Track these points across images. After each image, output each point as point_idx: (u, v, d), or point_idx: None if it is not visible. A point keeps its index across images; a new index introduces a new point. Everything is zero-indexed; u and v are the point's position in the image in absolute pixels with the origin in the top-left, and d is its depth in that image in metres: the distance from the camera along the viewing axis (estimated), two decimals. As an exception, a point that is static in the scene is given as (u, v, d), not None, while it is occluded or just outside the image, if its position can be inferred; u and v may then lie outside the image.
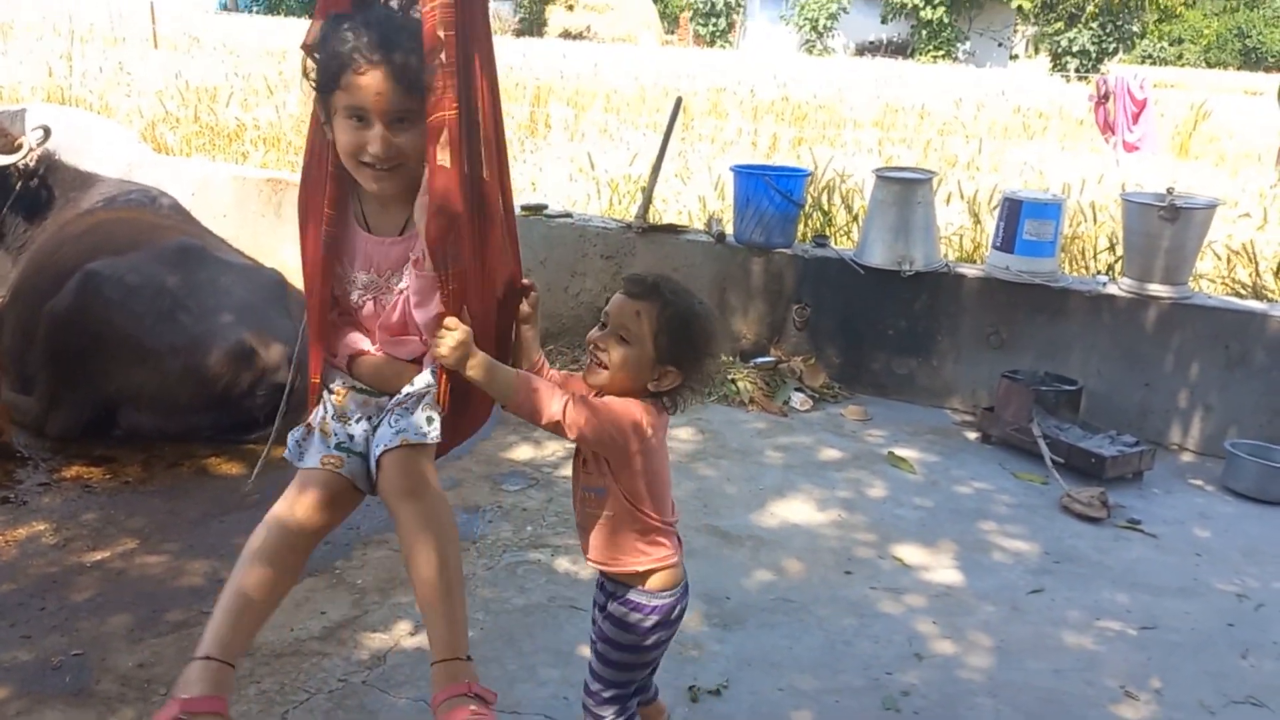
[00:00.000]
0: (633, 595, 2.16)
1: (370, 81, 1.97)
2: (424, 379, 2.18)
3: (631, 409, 2.06)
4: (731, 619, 3.29)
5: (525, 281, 2.34)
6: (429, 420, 2.11)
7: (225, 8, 41.25)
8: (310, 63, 2.05)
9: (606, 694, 2.22)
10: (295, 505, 2.12)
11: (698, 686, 2.92)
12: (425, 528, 2.07)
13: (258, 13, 38.97)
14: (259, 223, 6.88)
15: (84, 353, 4.14)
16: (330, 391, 2.23)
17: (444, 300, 2.01)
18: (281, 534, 2.12)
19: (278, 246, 6.80)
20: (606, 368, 2.08)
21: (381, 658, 2.97)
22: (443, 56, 1.95)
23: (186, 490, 3.96)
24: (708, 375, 2.14)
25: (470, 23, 2.03)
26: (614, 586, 2.19)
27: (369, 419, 2.21)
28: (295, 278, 5.70)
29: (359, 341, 2.22)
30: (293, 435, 2.24)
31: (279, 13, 38.69)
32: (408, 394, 2.16)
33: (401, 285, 2.18)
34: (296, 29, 25.70)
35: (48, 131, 5.26)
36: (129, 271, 4.23)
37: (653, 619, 2.16)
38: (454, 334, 1.98)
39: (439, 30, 1.95)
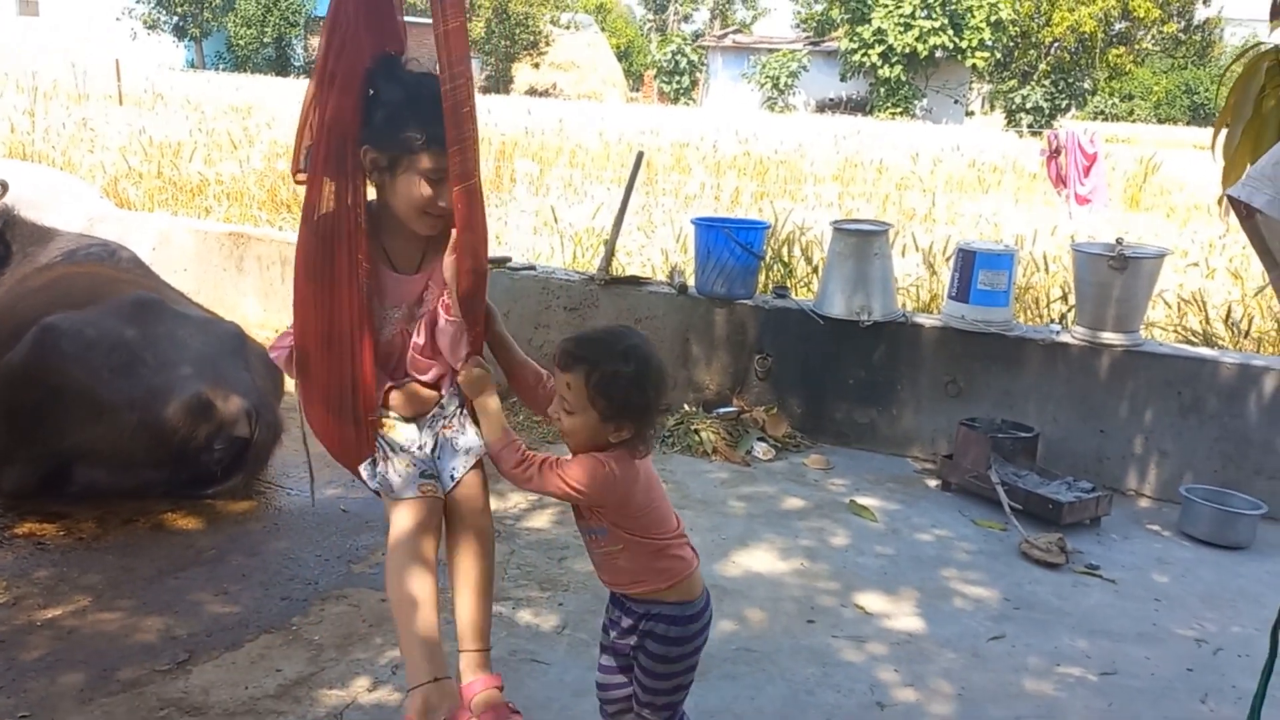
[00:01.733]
0: (667, 610, 2.25)
1: (440, 152, 2.24)
2: (453, 401, 2.46)
3: (599, 466, 2.15)
4: (693, 670, 3.27)
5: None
6: (477, 434, 2.38)
7: (192, 65, 41.40)
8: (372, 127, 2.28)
9: (666, 714, 2.35)
10: (418, 537, 2.42)
11: (659, 739, 2.89)
12: (487, 536, 2.46)
13: (224, 70, 39.13)
14: (220, 276, 6.86)
15: (39, 408, 4.08)
16: (380, 428, 2.44)
17: (472, 341, 2.29)
18: (419, 564, 2.43)
19: (239, 300, 6.79)
20: (568, 435, 2.22)
21: (338, 715, 2.92)
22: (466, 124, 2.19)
23: (142, 546, 3.90)
24: (658, 414, 2.19)
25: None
26: (643, 606, 2.27)
27: (426, 442, 2.45)
28: (255, 331, 5.70)
29: (390, 376, 2.46)
30: (375, 478, 2.46)
31: (245, 70, 38.86)
32: (449, 413, 2.43)
33: (422, 311, 2.43)
34: (263, 85, 25.83)
35: (5, 186, 5.24)
36: (86, 326, 4.19)
37: (698, 625, 2.28)
38: (479, 371, 2.27)
39: (467, 102, 2.18)
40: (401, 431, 2.44)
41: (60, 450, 4.15)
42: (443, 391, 2.51)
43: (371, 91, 2.27)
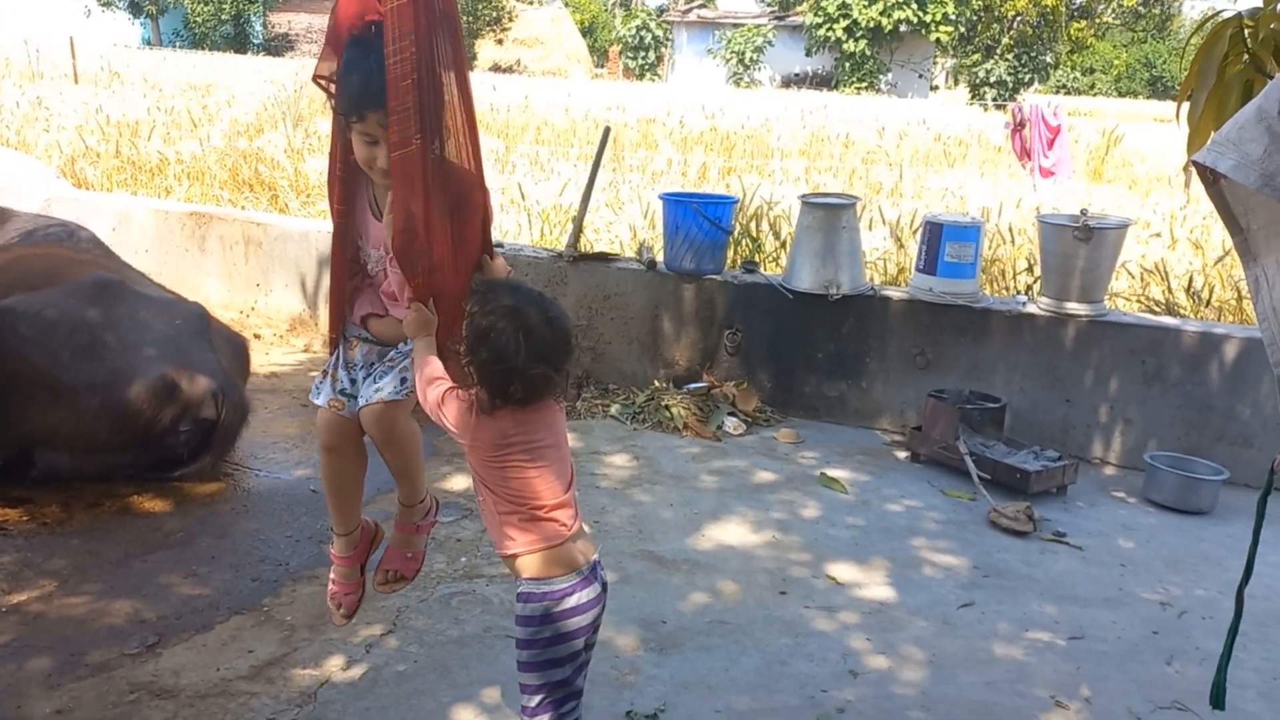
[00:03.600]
0: (521, 586, 2.21)
1: (381, 118, 2.35)
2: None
3: (464, 406, 2.21)
4: (668, 643, 3.29)
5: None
6: (403, 381, 2.53)
7: (148, 43, 40.67)
8: (331, 88, 2.45)
9: (532, 703, 2.22)
10: (323, 434, 2.69)
11: (635, 711, 2.90)
12: (396, 457, 2.67)
13: (181, 47, 38.46)
14: (182, 257, 6.76)
15: (0, 391, 4.01)
16: (346, 341, 2.67)
17: (414, 290, 2.41)
18: (328, 455, 2.70)
19: (201, 281, 6.70)
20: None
21: (312, 695, 2.91)
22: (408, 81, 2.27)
23: (107, 530, 3.85)
24: (530, 381, 2.16)
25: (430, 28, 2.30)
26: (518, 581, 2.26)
27: (369, 367, 2.65)
28: (219, 311, 5.62)
29: (372, 304, 2.65)
30: (316, 381, 2.69)
31: (203, 47, 38.22)
32: (396, 353, 2.60)
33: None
34: (221, 63, 25.42)
35: (-41, 167, 5.13)
36: (45, 307, 4.12)
37: (537, 608, 2.18)
38: (417, 315, 2.38)
39: (408, 75, 2.27)
40: (357, 352, 2.66)
41: (21, 435, 4.08)
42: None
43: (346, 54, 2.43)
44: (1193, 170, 1.86)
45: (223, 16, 41.79)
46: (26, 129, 10.43)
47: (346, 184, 2.56)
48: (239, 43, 41.56)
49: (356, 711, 2.84)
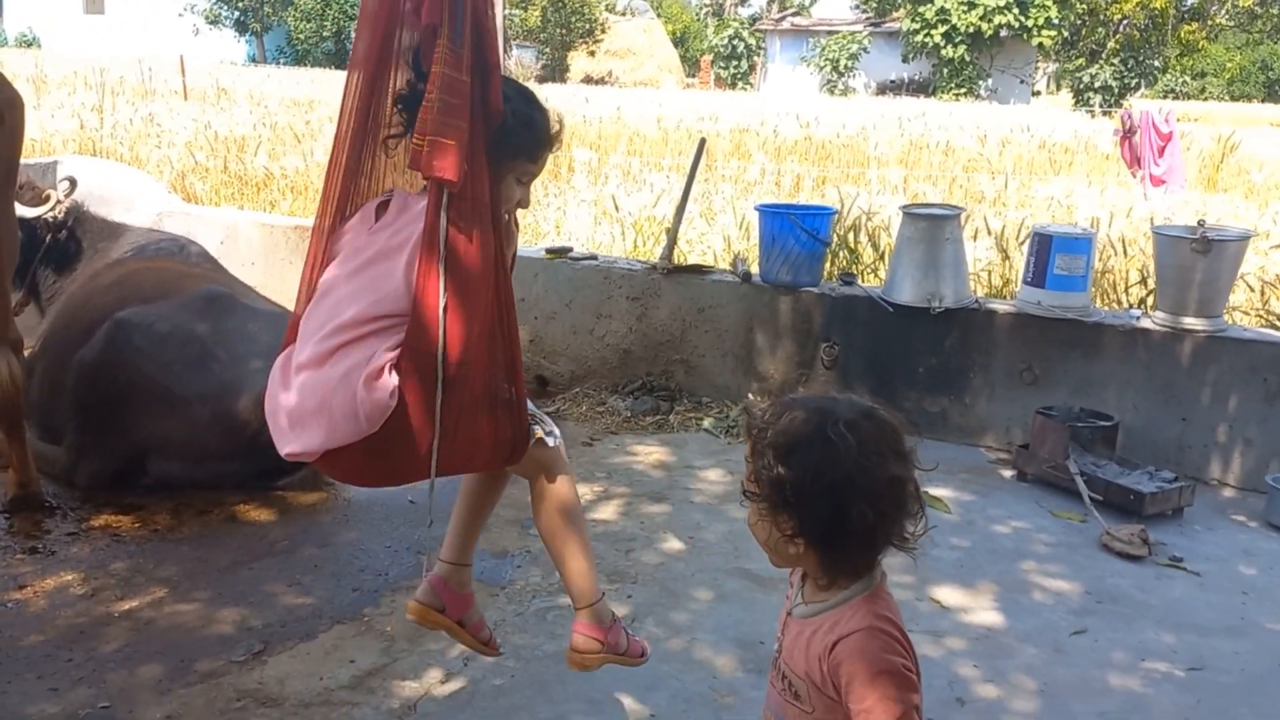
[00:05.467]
0: None
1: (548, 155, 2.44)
2: None
3: None
4: (767, 664, 3.21)
5: None
6: None
7: (254, 60, 42.05)
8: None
9: None
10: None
11: (734, 735, 2.85)
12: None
13: (284, 64, 39.68)
14: (286, 269, 6.92)
15: (113, 401, 4.15)
16: None
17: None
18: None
19: (305, 293, 6.84)
20: None
21: (412, 706, 2.93)
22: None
23: (216, 538, 3.95)
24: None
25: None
26: None
27: None
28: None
29: None
30: (545, 429, 2.46)
31: (306, 64, 39.37)
32: None
33: None
34: (323, 79, 26.12)
35: (74, 183, 5.33)
36: (158, 320, 4.25)
37: None
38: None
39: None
40: None
41: (134, 443, 4.21)
42: None
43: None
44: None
45: (324, 34, 42.95)
46: (139, 145, 10.85)
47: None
48: (339, 59, 42.62)
49: (455, 726, 2.85)
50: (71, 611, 3.37)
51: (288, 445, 2.24)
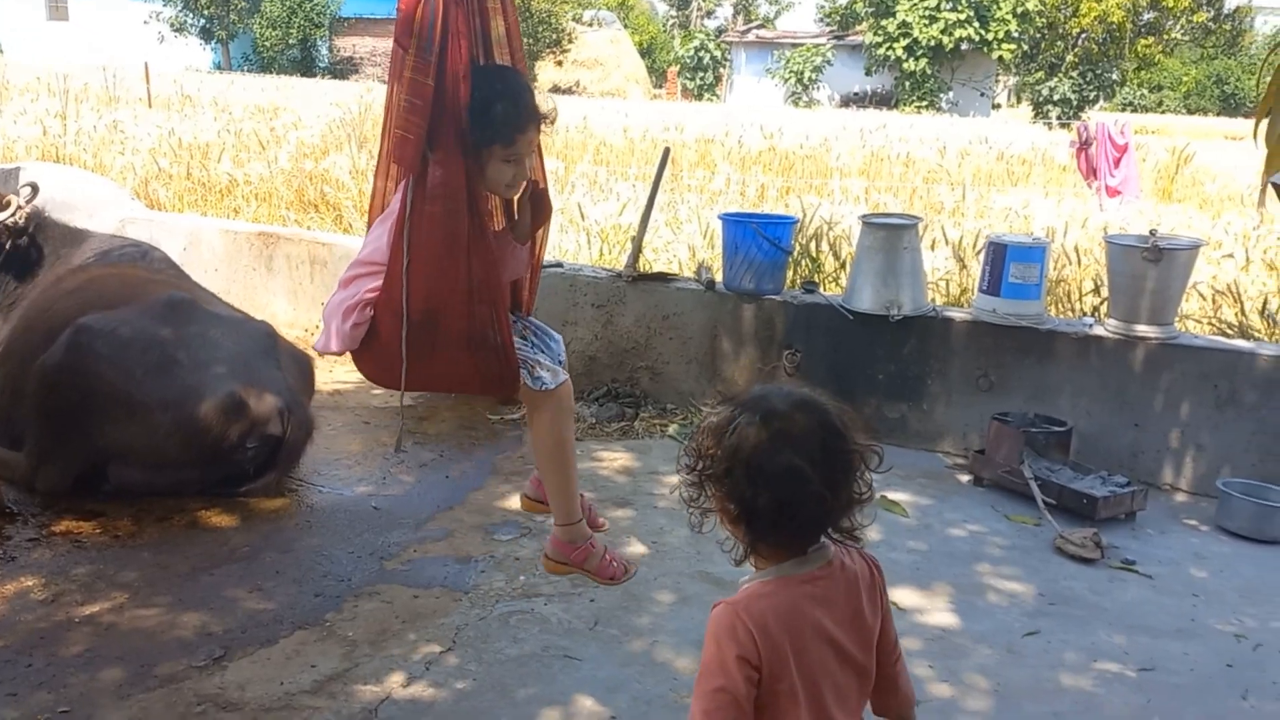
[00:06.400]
0: None
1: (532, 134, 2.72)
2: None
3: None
4: (727, 666, 3.26)
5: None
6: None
7: (219, 67, 41.67)
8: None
9: None
10: (571, 411, 2.90)
11: (693, 735, 2.88)
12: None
13: (250, 71, 39.36)
14: (250, 276, 6.90)
15: (74, 407, 4.13)
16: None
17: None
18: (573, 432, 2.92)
19: (269, 300, 6.83)
20: None
21: (373, 711, 2.94)
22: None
23: (177, 544, 3.94)
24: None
25: None
26: None
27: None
28: (286, 330, 5.72)
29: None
30: (530, 377, 2.76)
31: (271, 71, 39.08)
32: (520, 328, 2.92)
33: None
34: (288, 86, 25.96)
35: (35, 188, 5.29)
36: (120, 325, 4.23)
37: None
38: None
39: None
40: (518, 343, 2.79)
41: (95, 449, 4.19)
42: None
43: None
44: (1271, 190, 1.82)
45: (290, 41, 42.66)
46: (103, 151, 10.74)
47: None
48: (305, 66, 42.40)
49: (417, 728, 2.86)
50: (32, 617, 3.35)
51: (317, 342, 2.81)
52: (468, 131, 2.54)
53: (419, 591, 3.65)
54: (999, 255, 5.15)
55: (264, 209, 8.84)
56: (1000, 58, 42.42)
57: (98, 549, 3.86)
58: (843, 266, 6.75)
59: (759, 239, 5.46)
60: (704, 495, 1.71)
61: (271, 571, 3.76)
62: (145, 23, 42.10)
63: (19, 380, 4.33)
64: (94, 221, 5.69)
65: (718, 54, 49.59)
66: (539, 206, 2.90)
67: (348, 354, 2.77)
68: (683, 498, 1.76)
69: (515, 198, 2.86)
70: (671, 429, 5.44)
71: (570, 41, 47.04)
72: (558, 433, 2.83)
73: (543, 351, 2.87)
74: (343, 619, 3.44)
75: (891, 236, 5.30)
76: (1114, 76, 43.74)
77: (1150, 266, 4.90)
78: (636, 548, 4.08)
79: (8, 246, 5.20)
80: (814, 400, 1.69)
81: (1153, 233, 5.03)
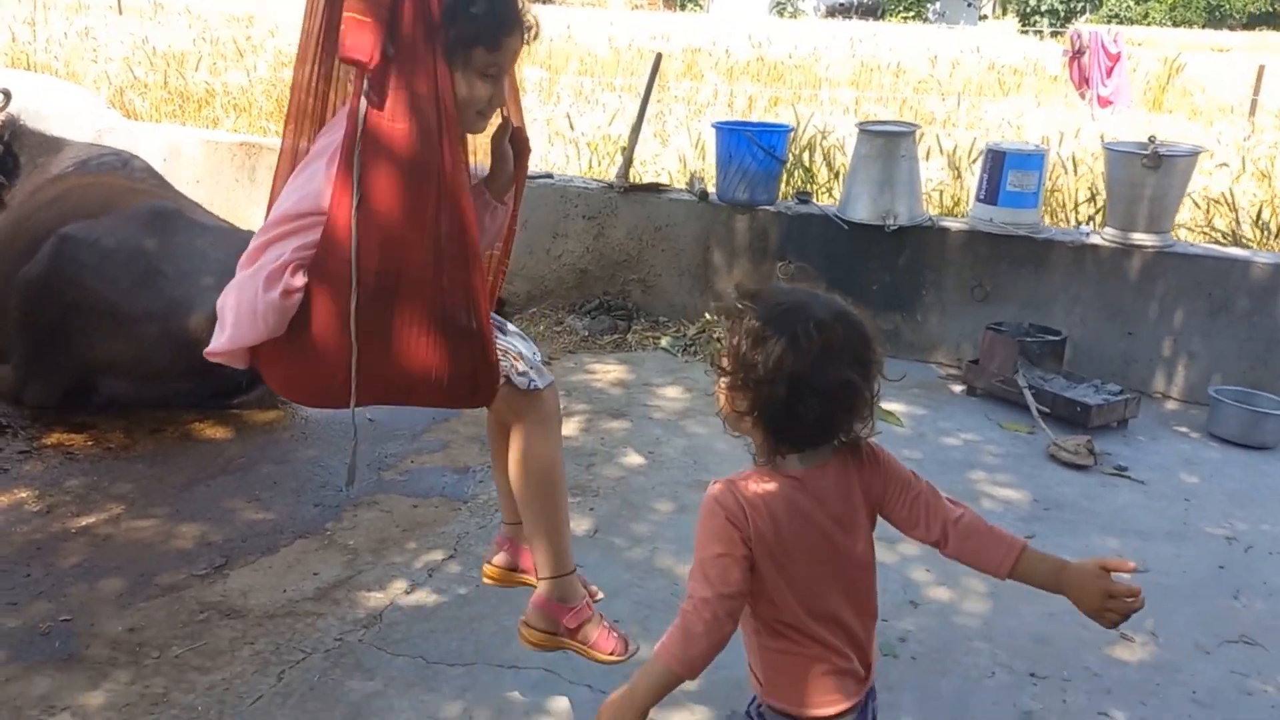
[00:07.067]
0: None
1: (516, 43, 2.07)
2: None
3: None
4: (727, 571, 3.28)
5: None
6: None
7: (187, -25, 40.47)
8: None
9: None
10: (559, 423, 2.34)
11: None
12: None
13: (221, -20, 38.22)
14: (233, 188, 6.77)
15: (60, 319, 4.05)
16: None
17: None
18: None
19: (252, 211, 6.70)
20: None
21: (378, 616, 2.95)
22: None
23: (170, 456, 3.91)
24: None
25: None
26: None
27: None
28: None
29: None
30: (516, 370, 2.21)
31: (243, -21, 38.01)
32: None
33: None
34: (262, -5, 25.24)
35: (8, 96, 5.12)
36: (104, 235, 4.14)
37: None
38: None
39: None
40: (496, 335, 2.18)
41: (83, 362, 4.13)
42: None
43: None
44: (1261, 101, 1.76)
45: (262, -53, 41.52)
46: (75, 60, 10.45)
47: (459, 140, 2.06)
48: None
49: (421, 633, 2.88)
50: (27, 528, 3.33)
51: (210, 344, 2.11)
52: (441, 27, 1.92)
53: (418, 501, 3.65)
54: (997, 163, 5.08)
55: (243, 119, 8.64)
56: (989, -34, 41.67)
57: (90, 461, 3.83)
58: (836, 177, 6.67)
59: (753, 148, 5.37)
60: (739, 399, 1.62)
61: (269, 482, 3.74)
62: (111, -72, 40.79)
63: (2, 292, 4.24)
64: (70, 131, 5.52)
65: (701, -37, 48.45)
66: (519, 151, 2.27)
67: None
68: (720, 411, 1.67)
69: (488, 141, 2.22)
70: (664, 341, 5.41)
71: (550, -51, 45.81)
72: (548, 453, 2.21)
73: (523, 343, 2.27)
74: (343, 528, 3.44)
75: (889, 144, 5.22)
76: (1102, -14, 43.09)
77: (1149, 174, 4.85)
78: (633, 458, 4.08)
79: (-18, 155, 5.06)
80: (850, 310, 1.66)
81: (1152, 140, 4.97)
